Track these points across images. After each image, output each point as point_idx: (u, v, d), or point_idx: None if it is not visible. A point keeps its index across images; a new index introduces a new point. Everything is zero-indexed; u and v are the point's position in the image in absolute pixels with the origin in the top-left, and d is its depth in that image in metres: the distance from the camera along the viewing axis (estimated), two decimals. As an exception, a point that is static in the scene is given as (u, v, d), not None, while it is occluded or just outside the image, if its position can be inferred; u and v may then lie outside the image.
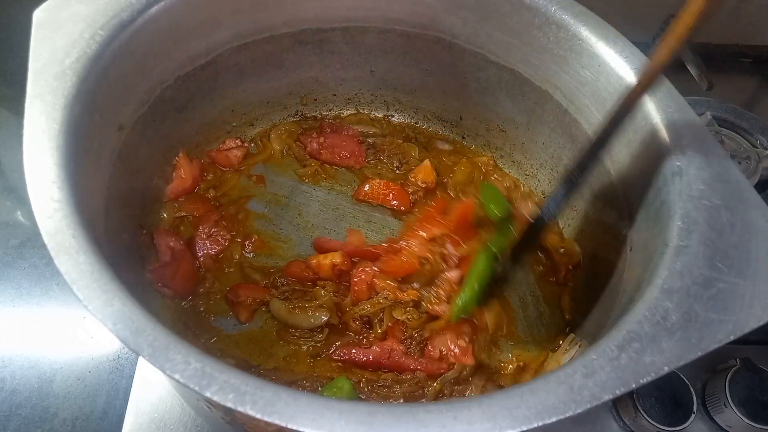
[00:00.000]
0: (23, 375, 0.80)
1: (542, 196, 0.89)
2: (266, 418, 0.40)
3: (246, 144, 0.92)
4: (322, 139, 0.93)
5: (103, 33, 0.60)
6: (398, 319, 0.75)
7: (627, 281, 0.63)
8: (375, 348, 0.74)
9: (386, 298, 0.76)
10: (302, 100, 0.95)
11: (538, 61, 0.77)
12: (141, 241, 0.76)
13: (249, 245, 0.83)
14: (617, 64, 0.68)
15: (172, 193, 0.83)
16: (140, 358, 0.76)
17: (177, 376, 0.41)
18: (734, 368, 0.77)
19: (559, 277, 0.83)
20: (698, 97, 1.08)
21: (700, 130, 0.61)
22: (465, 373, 0.73)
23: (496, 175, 0.93)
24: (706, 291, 0.50)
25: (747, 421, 0.74)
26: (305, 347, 0.75)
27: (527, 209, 0.74)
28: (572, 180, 0.64)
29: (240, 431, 0.64)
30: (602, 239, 0.75)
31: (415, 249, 0.77)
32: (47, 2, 0.61)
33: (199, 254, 0.80)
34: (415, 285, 0.77)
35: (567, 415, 0.42)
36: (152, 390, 0.74)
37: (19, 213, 0.96)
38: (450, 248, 0.77)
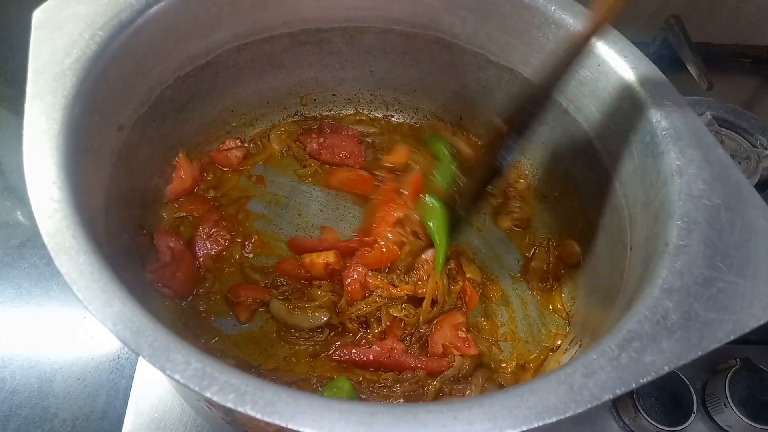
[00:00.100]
0: (23, 375, 0.80)
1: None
2: (266, 419, 0.40)
3: (246, 144, 0.92)
4: (321, 140, 0.93)
5: (103, 33, 0.60)
6: (396, 317, 0.75)
7: (627, 281, 0.63)
8: (375, 347, 0.74)
9: (381, 296, 0.76)
10: (302, 100, 0.95)
11: (538, 61, 0.77)
12: (141, 241, 0.76)
13: (249, 245, 0.83)
14: (617, 63, 0.68)
15: (172, 194, 0.83)
16: (140, 358, 0.77)
17: (177, 377, 0.41)
18: (734, 368, 0.77)
19: (558, 277, 0.84)
20: (698, 97, 1.08)
21: (700, 130, 0.61)
22: (465, 369, 0.73)
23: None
24: (706, 290, 0.50)
25: (747, 421, 0.74)
26: (305, 347, 0.75)
27: (468, 150, 0.81)
28: (520, 130, 0.66)
29: (240, 431, 0.64)
30: (601, 238, 0.75)
31: (390, 236, 0.79)
32: (47, 2, 0.61)
33: (199, 254, 0.80)
34: (399, 271, 0.78)
35: (567, 415, 0.42)
36: (152, 390, 0.74)
37: (19, 213, 0.96)
38: (415, 217, 0.80)
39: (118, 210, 0.66)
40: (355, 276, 0.77)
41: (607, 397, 0.43)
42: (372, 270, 0.78)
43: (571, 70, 0.62)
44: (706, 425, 0.78)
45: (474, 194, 0.78)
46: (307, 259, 0.79)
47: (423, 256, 0.79)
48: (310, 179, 0.91)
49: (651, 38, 1.18)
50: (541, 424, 0.41)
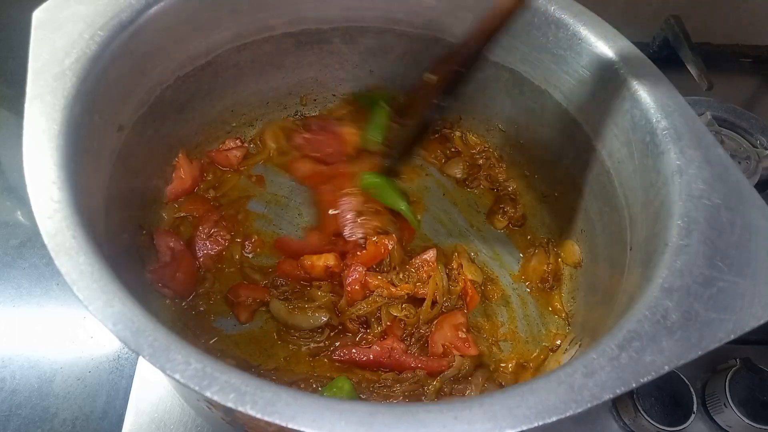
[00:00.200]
0: (23, 375, 0.80)
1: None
2: (266, 418, 0.40)
3: (246, 144, 0.92)
4: (307, 135, 0.92)
5: (103, 33, 0.60)
6: (396, 317, 0.75)
7: (627, 281, 0.63)
8: (375, 347, 0.74)
9: (381, 296, 0.76)
10: (302, 100, 0.95)
11: (537, 61, 0.77)
12: (141, 241, 0.76)
13: (249, 245, 0.83)
14: (617, 63, 0.67)
15: (172, 194, 0.83)
16: (140, 358, 0.77)
17: (177, 377, 0.41)
18: (734, 368, 0.77)
19: (558, 277, 0.84)
20: (698, 97, 1.07)
21: (700, 130, 0.61)
22: (465, 369, 0.73)
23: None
24: (706, 290, 0.50)
25: (747, 421, 0.74)
26: (305, 347, 0.75)
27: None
28: (449, 89, 0.71)
29: (240, 431, 0.64)
30: (602, 239, 0.75)
31: (369, 228, 0.80)
32: (47, 2, 0.61)
33: (199, 254, 0.80)
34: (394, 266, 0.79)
35: (567, 414, 0.42)
36: (152, 390, 0.74)
37: (19, 213, 0.96)
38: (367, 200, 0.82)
39: (118, 210, 0.66)
40: (355, 276, 0.77)
41: (607, 396, 0.43)
42: (371, 266, 0.78)
43: (499, 34, 0.65)
44: (706, 425, 0.78)
45: (405, 145, 0.82)
46: (307, 261, 0.79)
47: (423, 256, 0.79)
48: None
49: (651, 38, 1.18)
50: (541, 423, 0.41)
